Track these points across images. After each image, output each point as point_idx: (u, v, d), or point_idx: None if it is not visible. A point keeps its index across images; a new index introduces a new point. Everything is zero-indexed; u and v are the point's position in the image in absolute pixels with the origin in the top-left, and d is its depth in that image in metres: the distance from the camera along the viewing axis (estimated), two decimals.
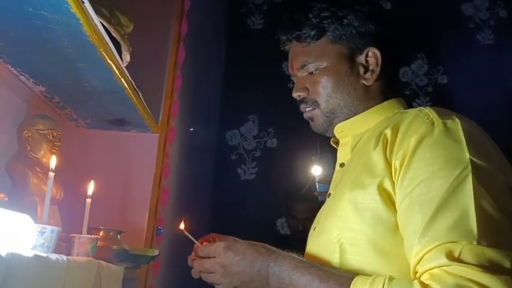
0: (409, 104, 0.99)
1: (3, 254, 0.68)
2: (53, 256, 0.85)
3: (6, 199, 1.05)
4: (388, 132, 0.83)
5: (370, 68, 0.94)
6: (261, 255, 0.83)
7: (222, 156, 2.84)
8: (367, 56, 0.95)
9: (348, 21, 0.94)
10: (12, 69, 1.19)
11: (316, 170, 2.08)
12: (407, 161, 0.77)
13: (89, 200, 1.12)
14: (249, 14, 3.05)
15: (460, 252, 0.67)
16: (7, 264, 0.69)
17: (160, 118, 1.69)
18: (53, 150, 1.23)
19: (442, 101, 2.69)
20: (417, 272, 0.71)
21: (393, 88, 0.99)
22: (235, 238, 0.89)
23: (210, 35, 2.68)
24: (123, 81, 1.26)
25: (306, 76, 0.98)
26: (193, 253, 0.90)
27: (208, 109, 2.73)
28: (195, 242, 0.91)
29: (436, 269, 0.68)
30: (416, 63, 2.89)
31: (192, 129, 2.22)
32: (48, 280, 0.82)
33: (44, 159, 1.21)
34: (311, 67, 0.96)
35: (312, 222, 1.00)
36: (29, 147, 1.21)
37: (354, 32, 0.94)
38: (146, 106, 1.49)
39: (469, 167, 0.73)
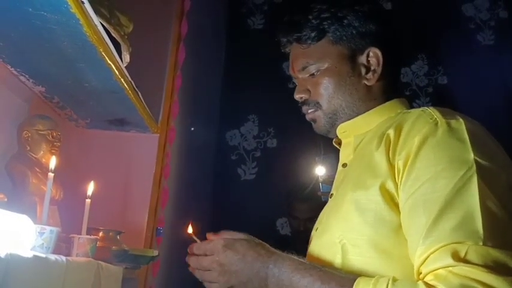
0: (410, 105, 0.99)
1: (3, 255, 0.68)
2: (52, 257, 0.85)
3: (6, 199, 1.04)
4: (391, 132, 0.83)
5: (372, 68, 0.94)
6: (260, 256, 0.82)
7: (222, 156, 2.84)
8: (368, 56, 0.94)
9: (348, 22, 0.94)
10: (12, 69, 1.19)
11: (320, 170, 2.08)
12: (410, 161, 0.77)
13: (88, 201, 1.11)
14: (249, 14, 3.04)
15: (466, 252, 0.66)
16: (6, 265, 0.68)
17: (160, 118, 1.69)
18: (53, 151, 1.23)
19: (442, 101, 2.68)
20: (421, 273, 0.71)
21: (394, 88, 0.98)
22: (230, 232, 0.88)
23: (210, 35, 2.67)
24: (123, 81, 1.26)
25: (308, 78, 0.98)
26: (188, 249, 0.89)
27: (208, 109, 2.73)
28: None
29: (441, 269, 0.67)
30: (416, 63, 2.89)
31: (192, 129, 2.22)
32: (48, 281, 0.82)
33: (44, 160, 1.21)
34: (312, 68, 0.96)
35: (313, 223, 1.00)
36: (28, 148, 1.21)
37: (354, 32, 0.94)
38: (146, 106, 1.49)
39: (474, 167, 0.72)
